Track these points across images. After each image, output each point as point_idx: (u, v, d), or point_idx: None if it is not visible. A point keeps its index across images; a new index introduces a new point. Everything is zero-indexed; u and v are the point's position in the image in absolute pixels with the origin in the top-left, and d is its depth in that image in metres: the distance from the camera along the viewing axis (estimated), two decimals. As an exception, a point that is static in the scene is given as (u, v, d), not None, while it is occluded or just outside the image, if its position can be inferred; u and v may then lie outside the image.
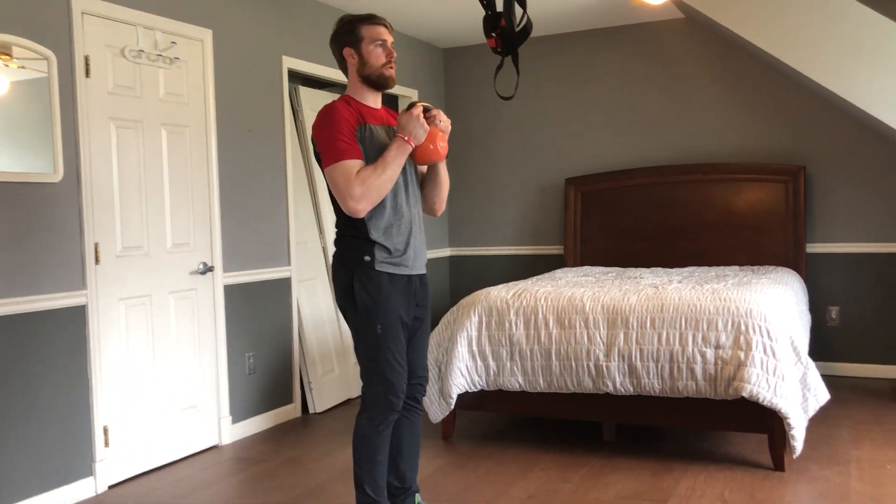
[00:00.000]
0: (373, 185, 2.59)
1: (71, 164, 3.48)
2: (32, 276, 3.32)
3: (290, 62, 4.82)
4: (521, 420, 4.58)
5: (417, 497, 2.97)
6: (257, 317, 4.54)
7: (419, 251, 2.83)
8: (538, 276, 5.08)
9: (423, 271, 2.88)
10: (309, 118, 5.22)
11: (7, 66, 3.25)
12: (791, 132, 5.55)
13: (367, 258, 2.69)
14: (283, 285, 4.75)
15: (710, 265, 5.52)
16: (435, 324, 5.47)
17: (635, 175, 5.87)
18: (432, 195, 2.91)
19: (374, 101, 2.80)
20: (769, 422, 3.50)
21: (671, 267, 5.52)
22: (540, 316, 3.90)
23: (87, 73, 3.54)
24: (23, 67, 3.32)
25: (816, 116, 5.47)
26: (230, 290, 4.35)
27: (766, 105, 5.60)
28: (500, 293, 4.12)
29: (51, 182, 3.39)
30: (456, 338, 4.01)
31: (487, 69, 6.22)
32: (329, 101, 2.78)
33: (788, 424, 3.42)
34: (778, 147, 5.59)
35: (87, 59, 3.54)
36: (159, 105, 3.91)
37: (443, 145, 2.74)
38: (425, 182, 2.90)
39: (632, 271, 5.23)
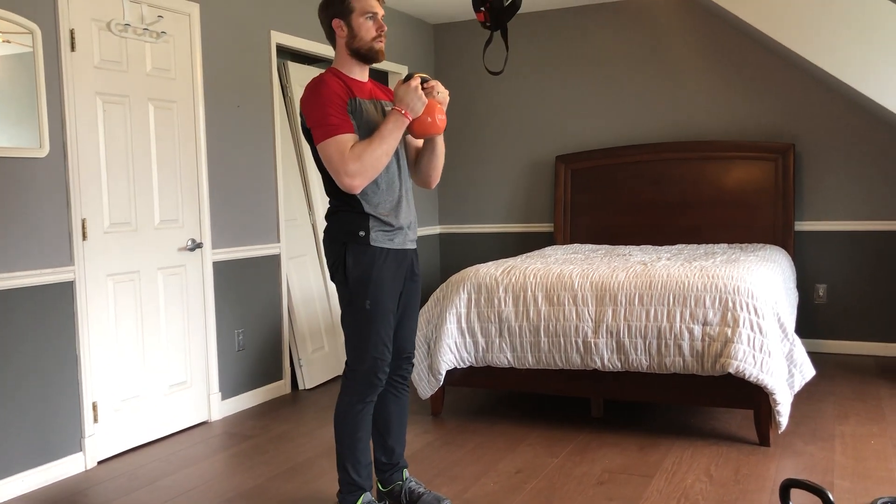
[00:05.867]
0: (369, 161, 2.54)
1: (57, 139, 3.45)
2: (19, 251, 3.30)
3: (279, 37, 4.78)
4: (510, 396, 4.60)
5: (405, 472, 2.99)
6: (247, 294, 4.53)
7: (412, 225, 2.80)
8: (528, 254, 5.09)
9: (415, 246, 2.86)
10: (298, 94, 5.19)
11: (-9, 39, 3.21)
12: (781, 110, 5.55)
13: (363, 233, 2.65)
14: (273, 262, 4.74)
15: (699, 242, 5.55)
16: (424, 301, 5.48)
17: (625, 153, 5.87)
18: (428, 168, 2.84)
19: (361, 74, 2.74)
20: (755, 397, 3.53)
21: (660, 244, 5.54)
22: (529, 293, 3.91)
23: (73, 47, 3.51)
24: (7, 41, 3.28)
25: (806, 94, 5.47)
26: (219, 267, 4.34)
27: (757, 83, 5.60)
28: (489, 270, 4.12)
29: (37, 157, 3.36)
30: (445, 314, 4.02)
31: (478, 45, 6.20)
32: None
33: (774, 400, 3.45)
34: (768, 125, 5.59)
35: (72, 32, 3.50)
36: (146, 80, 3.88)
37: (441, 118, 2.66)
38: (421, 154, 2.84)
39: (621, 249, 5.25)
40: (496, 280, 4.01)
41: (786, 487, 2.34)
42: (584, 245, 5.67)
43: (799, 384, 3.63)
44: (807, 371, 3.64)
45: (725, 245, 5.30)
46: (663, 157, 5.77)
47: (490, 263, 4.35)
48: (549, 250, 5.28)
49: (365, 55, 2.69)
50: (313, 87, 2.62)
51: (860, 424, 3.84)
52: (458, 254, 6.63)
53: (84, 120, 3.57)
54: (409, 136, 2.79)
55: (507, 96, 6.37)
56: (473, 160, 6.53)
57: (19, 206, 3.31)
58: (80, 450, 3.57)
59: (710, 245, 5.33)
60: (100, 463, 3.65)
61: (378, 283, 2.67)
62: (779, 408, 3.45)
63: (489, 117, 6.45)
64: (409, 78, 2.63)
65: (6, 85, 3.31)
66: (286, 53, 5.19)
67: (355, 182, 2.55)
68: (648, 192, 5.80)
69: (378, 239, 2.67)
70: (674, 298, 3.65)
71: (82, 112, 3.56)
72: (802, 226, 5.52)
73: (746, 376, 3.45)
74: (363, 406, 2.75)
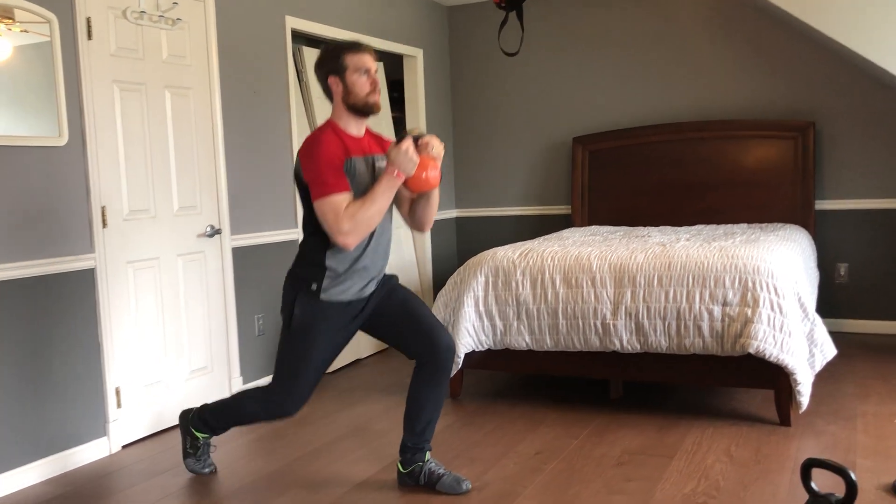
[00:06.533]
0: (361, 220, 2.65)
1: (75, 128, 3.47)
2: (41, 239, 3.34)
3: (294, 22, 4.77)
4: (528, 378, 4.61)
5: (427, 454, 3.02)
6: (266, 279, 4.56)
7: (378, 275, 2.91)
8: (545, 237, 5.08)
9: (380, 279, 2.94)
10: (314, 79, 5.19)
11: (10, 29, 3.23)
12: (800, 88, 5.48)
13: (314, 286, 2.77)
14: (291, 247, 4.76)
15: (718, 223, 5.50)
16: (442, 284, 5.47)
17: (643, 133, 5.83)
18: (422, 216, 2.96)
19: (357, 128, 2.84)
20: (775, 378, 3.52)
21: (679, 225, 5.51)
22: (547, 275, 3.90)
23: (90, 36, 3.52)
24: (25, 31, 3.30)
25: (826, 71, 5.40)
26: (238, 253, 4.36)
27: (775, 61, 5.53)
28: (506, 253, 4.12)
29: (56, 146, 3.39)
30: (463, 298, 4.03)
31: (493, 26, 6.15)
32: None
33: (795, 380, 3.43)
34: (787, 103, 5.53)
35: (88, 21, 3.51)
36: (162, 67, 3.89)
37: (434, 174, 2.76)
38: (416, 203, 2.95)
39: (640, 230, 5.23)
40: (514, 263, 4.01)
41: (807, 467, 2.34)
42: (602, 227, 5.65)
43: (820, 364, 3.61)
44: (828, 351, 3.61)
45: (745, 225, 5.26)
46: (681, 138, 5.72)
47: (507, 246, 4.35)
48: (566, 232, 5.26)
49: (361, 109, 2.80)
50: (311, 144, 2.72)
51: (882, 404, 3.82)
52: (475, 237, 6.63)
53: (102, 108, 3.59)
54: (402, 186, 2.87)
55: (522, 78, 6.34)
56: (489, 143, 6.51)
57: (40, 195, 3.34)
58: (105, 434, 3.62)
59: (729, 225, 5.29)
60: (124, 447, 3.70)
61: (316, 336, 2.81)
62: (799, 388, 3.44)
63: (505, 99, 6.42)
64: (402, 138, 2.72)
65: (25, 74, 3.33)
66: (301, 38, 5.19)
67: (349, 240, 2.66)
68: (667, 173, 5.76)
69: (329, 293, 2.79)
70: (693, 279, 3.63)
71: (100, 100, 3.58)
72: (823, 205, 5.46)
73: (767, 356, 3.43)
74: (258, 419, 3.06)
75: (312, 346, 2.81)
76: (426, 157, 2.74)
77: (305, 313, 2.79)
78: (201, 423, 3.17)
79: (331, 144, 2.70)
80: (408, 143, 2.69)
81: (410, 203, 2.96)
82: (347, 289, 2.81)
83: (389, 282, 2.99)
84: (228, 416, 3.09)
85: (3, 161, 3.19)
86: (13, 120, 3.29)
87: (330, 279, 2.77)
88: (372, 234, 2.81)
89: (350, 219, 2.63)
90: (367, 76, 2.76)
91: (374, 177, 2.79)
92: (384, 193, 2.69)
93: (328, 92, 2.83)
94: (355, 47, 2.78)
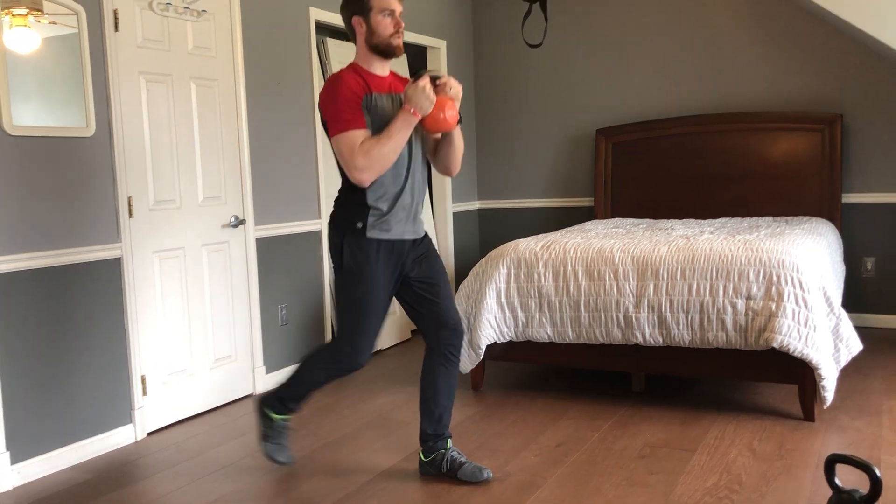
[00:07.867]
0: (376, 156, 2.65)
1: (102, 119, 3.51)
2: (68, 229, 3.38)
3: (318, 14, 4.79)
4: (550, 371, 4.61)
5: (449, 442, 3.03)
6: (289, 269, 4.59)
7: (416, 217, 2.90)
8: (568, 229, 5.06)
9: (421, 235, 2.94)
10: (337, 70, 5.19)
11: (38, 21, 3.27)
12: (828, 80, 5.41)
13: (360, 224, 2.78)
14: (314, 238, 4.79)
15: (743, 216, 5.46)
16: (464, 276, 5.47)
17: (667, 125, 5.78)
18: (447, 159, 2.95)
19: (381, 69, 2.84)
20: (800, 372, 3.49)
21: (703, 218, 5.47)
22: (569, 267, 3.90)
23: (116, 27, 3.56)
24: (53, 23, 3.34)
25: (854, 63, 5.32)
26: (262, 243, 4.40)
27: (802, 52, 5.46)
28: (528, 245, 4.11)
29: (83, 136, 3.43)
30: (485, 289, 4.03)
31: (516, 17, 6.14)
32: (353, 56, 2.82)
33: (819, 375, 3.40)
34: (814, 95, 5.46)
35: (115, 12, 3.55)
36: (188, 59, 3.92)
37: (452, 114, 2.74)
38: (440, 146, 2.94)
39: (663, 223, 5.20)
40: (536, 255, 4.01)
41: (831, 462, 2.32)
42: (625, 219, 5.63)
43: (845, 359, 3.57)
44: (853, 346, 3.58)
45: (770, 218, 5.22)
46: (706, 130, 5.67)
47: (529, 238, 4.34)
48: (589, 225, 5.24)
49: (384, 51, 2.79)
50: (331, 83, 2.73)
51: (908, 400, 3.78)
52: (498, 229, 6.62)
53: (128, 99, 3.63)
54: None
55: (546, 69, 6.31)
56: (512, 134, 6.49)
57: (68, 185, 3.38)
58: (131, 421, 3.67)
59: (754, 218, 5.25)
60: (149, 434, 3.75)
61: (370, 276, 2.79)
62: (824, 382, 3.41)
63: (528, 91, 6.40)
64: (419, 76, 2.70)
65: (53, 66, 3.37)
66: (325, 30, 5.20)
67: (364, 176, 2.68)
68: (691, 165, 5.72)
69: (374, 231, 2.78)
70: (717, 272, 3.61)
71: (126, 91, 3.62)
72: (850, 198, 5.39)
73: (791, 351, 3.40)
74: (332, 377, 2.97)
75: (367, 289, 2.79)
76: (444, 98, 2.72)
77: (354, 253, 2.78)
78: (278, 401, 3.08)
79: (349, 82, 2.70)
80: (424, 81, 2.68)
81: (435, 146, 2.94)
82: (392, 227, 2.81)
83: (428, 245, 2.97)
84: (302, 386, 3.02)
85: (31, 151, 3.24)
86: (41, 111, 3.34)
87: (375, 217, 2.78)
88: (408, 171, 2.81)
89: (365, 155, 2.64)
90: (391, 18, 2.75)
91: None
92: (400, 130, 2.68)
93: (352, 32, 2.81)
94: None
